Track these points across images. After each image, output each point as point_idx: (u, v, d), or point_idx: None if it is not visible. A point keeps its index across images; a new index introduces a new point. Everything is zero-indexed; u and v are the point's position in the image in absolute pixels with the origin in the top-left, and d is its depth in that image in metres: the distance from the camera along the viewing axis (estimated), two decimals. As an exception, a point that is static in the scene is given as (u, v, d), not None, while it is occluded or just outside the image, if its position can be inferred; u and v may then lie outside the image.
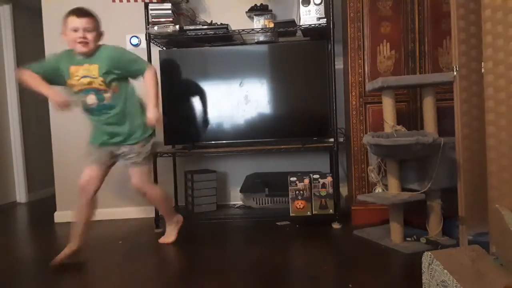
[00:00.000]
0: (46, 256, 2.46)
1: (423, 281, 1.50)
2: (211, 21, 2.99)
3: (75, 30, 2.08)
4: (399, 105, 2.54)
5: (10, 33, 4.21)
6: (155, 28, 2.76)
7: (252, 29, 2.85)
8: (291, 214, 2.78)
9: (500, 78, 1.56)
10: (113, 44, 3.18)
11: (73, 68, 2.12)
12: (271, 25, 2.85)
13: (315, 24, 2.74)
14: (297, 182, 2.76)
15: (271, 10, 2.98)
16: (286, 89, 2.86)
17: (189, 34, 2.81)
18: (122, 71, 2.18)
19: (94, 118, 2.21)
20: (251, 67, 2.89)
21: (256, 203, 3.01)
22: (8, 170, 4.29)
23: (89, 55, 2.13)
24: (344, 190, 3.16)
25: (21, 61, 4.31)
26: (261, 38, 2.98)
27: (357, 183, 2.75)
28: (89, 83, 2.11)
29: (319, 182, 2.74)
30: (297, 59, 2.84)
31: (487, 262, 1.46)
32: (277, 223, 2.78)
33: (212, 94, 2.91)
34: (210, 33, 2.81)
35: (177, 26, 2.76)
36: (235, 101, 2.91)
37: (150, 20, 2.78)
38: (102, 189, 3.25)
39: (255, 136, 2.90)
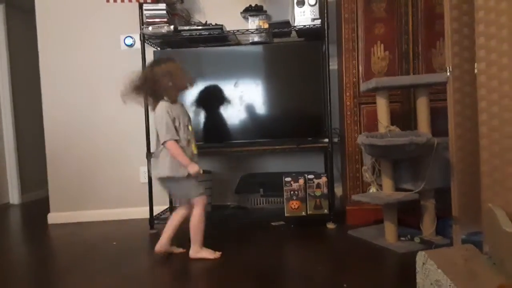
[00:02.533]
0: (39, 258, 2.46)
1: (417, 281, 1.51)
2: (206, 21, 2.99)
3: None
4: (393, 105, 2.55)
5: (3, 33, 4.19)
6: (150, 28, 2.75)
7: (247, 30, 2.86)
8: (286, 214, 2.79)
9: (493, 79, 1.57)
10: (106, 44, 3.21)
11: None
12: (266, 26, 2.86)
13: (309, 25, 2.75)
14: (292, 182, 2.77)
15: (265, 11, 2.98)
16: (280, 89, 2.87)
17: (184, 34, 2.81)
18: None
19: None
20: (246, 68, 2.89)
21: (251, 203, 3.01)
22: (1, 171, 4.26)
23: None
24: (338, 190, 3.17)
25: (14, 61, 4.29)
26: (256, 39, 2.98)
27: (352, 183, 2.77)
28: None
29: (313, 182, 2.76)
30: (291, 59, 2.85)
31: (480, 261, 1.47)
32: (272, 224, 2.78)
33: (206, 94, 2.91)
34: (205, 34, 2.81)
35: (172, 27, 2.76)
36: (230, 101, 2.91)
37: (144, 21, 2.78)
38: (96, 191, 3.27)
39: (250, 137, 2.90)
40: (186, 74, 2.22)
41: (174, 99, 2.21)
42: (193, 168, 2.12)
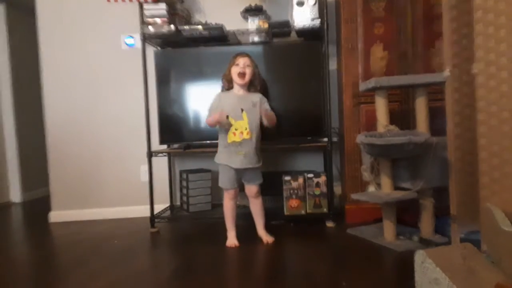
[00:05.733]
0: (40, 256, 2.47)
1: (415, 279, 1.51)
2: (206, 21, 2.99)
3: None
4: (392, 105, 2.55)
5: (4, 32, 4.19)
6: (150, 28, 2.76)
7: (247, 30, 2.86)
8: (285, 213, 2.80)
9: (492, 79, 1.58)
10: (107, 44, 3.22)
11: None
12: (266, 25, 2.86)
13: (309, 25, 2.75)
14: (291, 181, 2.78)
15: (265, 11, 2.99)
16: (280, 89, 2.87)
17: (184, 34, 2.81)
18: None
19: None
20: (246, 67, 2.89)
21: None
22: (3, 169, 4.27)
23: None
24: (337, 189, 3.17)
25: (15, 60, 4.30)
26: (256, 39, 2.98)
27: (351, 182, 2.78)
28: None
29: (313, 181, 2.77)
30: (291, 59, 2.85)
31: (478, 260, 1.47)
32: (272, 222, 2.79)
33: (207, 94, 2.91)
34: (205, 33, 2.81)
35: (172, 26, 2.76)
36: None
37: (145, 20, 2.78)
38: (98, 189, 3.28)
39: (249, 136, 2.90)
40: (234, 68, 2.43)
41: (227, 87, 2.52)
42: (218, 114, 2.35)
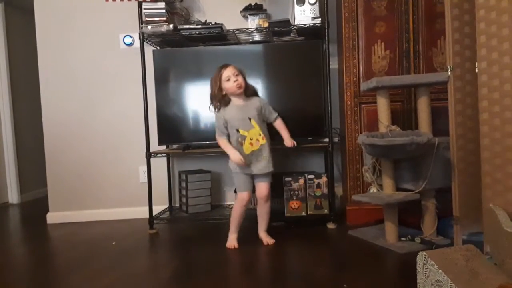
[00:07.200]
0: (38, 257, 2.45)
1: (417, 281, 1.50)
2: (205, 20, 2.97)
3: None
4: (394, 105, 2.54)
5: (2, 31, 4.18)
6: (149, 27, 2.74)
7: (247, 29, 2.84)
8: (286, 215, 2.77)
9: (494, 78, 1.57)
10: (105, 43, 3.20)
11: None
12: (266, 24, 2.85)
13: (309, 24, 2.73)
14: (292, 182, 2.76)
15: (265, 10, 2.97)
16: (280, 89, 2.85)
17: (183, 33, 2.79)
18: None
19: None
20: (246, 67, 2.84)
21: (251, 203, 2.99)
22: (1, 171, 4.25)
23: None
24: (339, 190, 3.16)
25: (13, 60, 4.28)
26: (256, 38, 2.97)
27: (352, 183, 2.76)
28: None
29: (314, 182, 2.74)
30: (292, 59, 2.83)
31: (481, 261, 1.46)
32: (272, 224, 2.76)
33: (206, 93, 2.89)
34: (205, 33, 2.79)
35: (171, 26, 2.74)
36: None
37: (143, 19, 2.76)
38: (96, 190, 3.26)
39: (249, 136, 2.88)
40: (224, 78, 2.36)
41: (222, 104, 2.41)
42: (233, 155, 2.33)
